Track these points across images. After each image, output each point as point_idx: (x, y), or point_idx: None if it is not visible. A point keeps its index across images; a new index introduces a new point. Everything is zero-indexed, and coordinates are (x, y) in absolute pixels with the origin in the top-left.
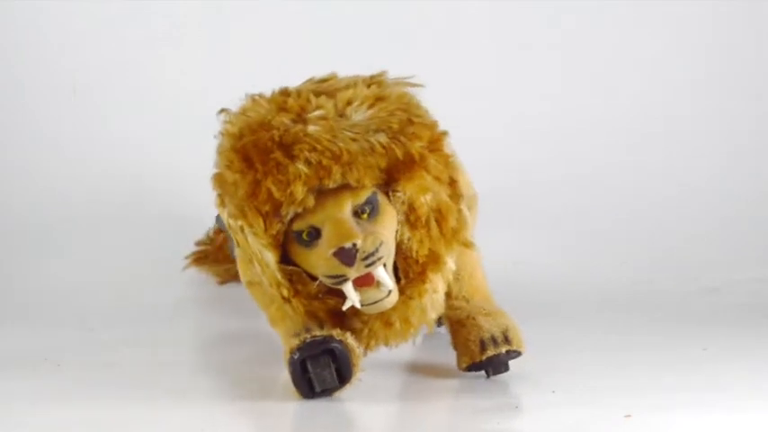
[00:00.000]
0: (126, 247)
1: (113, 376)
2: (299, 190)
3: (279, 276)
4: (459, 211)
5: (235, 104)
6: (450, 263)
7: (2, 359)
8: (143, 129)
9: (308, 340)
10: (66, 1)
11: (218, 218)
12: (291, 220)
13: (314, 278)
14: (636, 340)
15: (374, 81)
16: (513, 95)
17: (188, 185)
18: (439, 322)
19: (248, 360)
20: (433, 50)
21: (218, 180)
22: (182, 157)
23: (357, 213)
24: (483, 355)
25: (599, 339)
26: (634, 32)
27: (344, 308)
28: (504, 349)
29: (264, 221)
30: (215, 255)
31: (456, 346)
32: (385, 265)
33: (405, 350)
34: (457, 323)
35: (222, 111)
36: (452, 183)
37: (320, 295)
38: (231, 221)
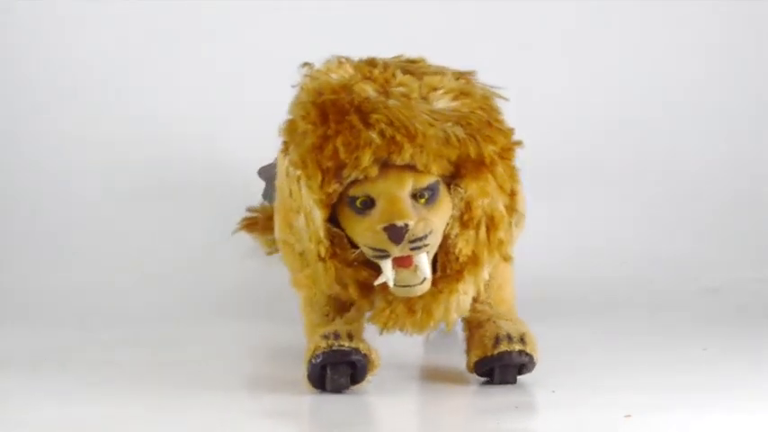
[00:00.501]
0: (126, 247)
1: (114, 376)
2: (366, 157)
3: (321, 234)
4: (510, 223)
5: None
6: (486, 271)
7: (2, 359)
8: (143, 129)
9: (334, 347)
10: (66, 1)
11: (265, 192)
12: (349, 185)
13: (354, 246)
14: (636, 340)
15: (463, 76)
16: (513, 96)
17: (189, 187)
18: None
19: (249, 359)
20: (433, 50)
21: (289, 127)
22: (182, 158)
23: (415, 196)
24: (495, 349)
25: (599, 339)
26: (634, 32)
27: (376, 283)
28: (517, 348)
29: (323, 178)
30: (264, 223)
31: (469, 345)
32: (427, 254)
33: (408, 353)
34: (476, 325)
35: (305, 64)
36: (512, 194)
37: (355, 263)
38: (291, 169)
